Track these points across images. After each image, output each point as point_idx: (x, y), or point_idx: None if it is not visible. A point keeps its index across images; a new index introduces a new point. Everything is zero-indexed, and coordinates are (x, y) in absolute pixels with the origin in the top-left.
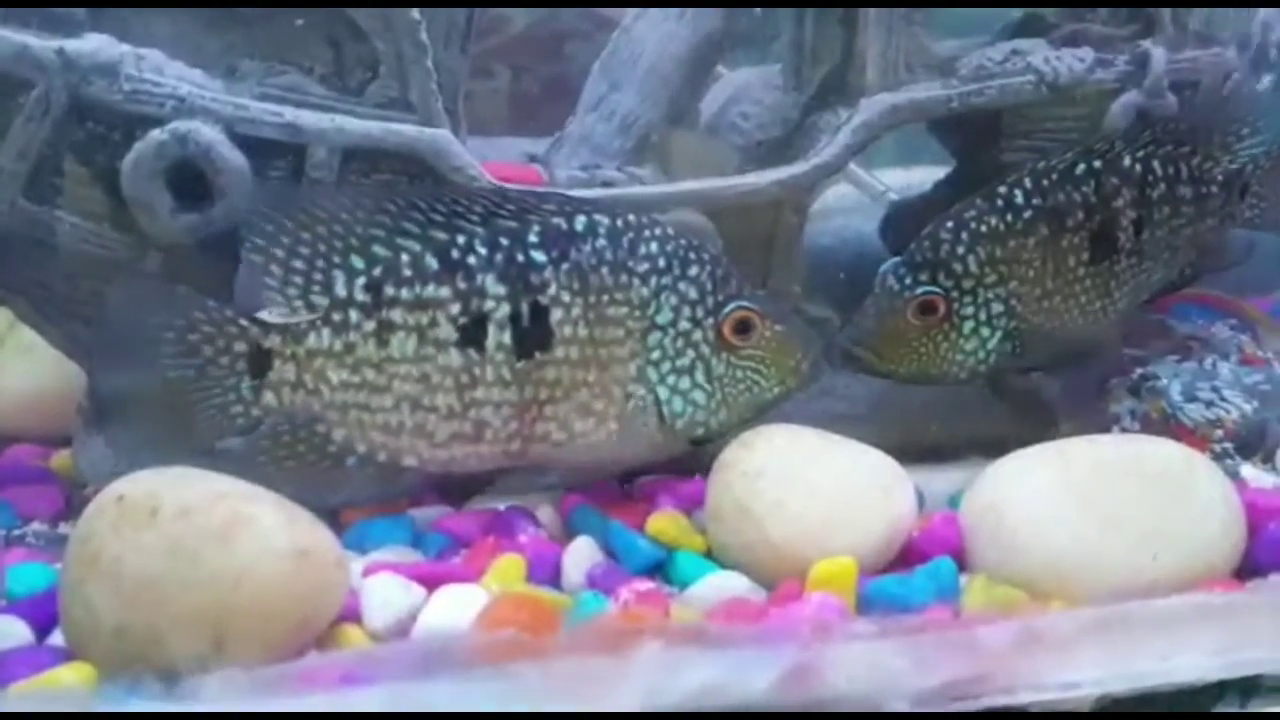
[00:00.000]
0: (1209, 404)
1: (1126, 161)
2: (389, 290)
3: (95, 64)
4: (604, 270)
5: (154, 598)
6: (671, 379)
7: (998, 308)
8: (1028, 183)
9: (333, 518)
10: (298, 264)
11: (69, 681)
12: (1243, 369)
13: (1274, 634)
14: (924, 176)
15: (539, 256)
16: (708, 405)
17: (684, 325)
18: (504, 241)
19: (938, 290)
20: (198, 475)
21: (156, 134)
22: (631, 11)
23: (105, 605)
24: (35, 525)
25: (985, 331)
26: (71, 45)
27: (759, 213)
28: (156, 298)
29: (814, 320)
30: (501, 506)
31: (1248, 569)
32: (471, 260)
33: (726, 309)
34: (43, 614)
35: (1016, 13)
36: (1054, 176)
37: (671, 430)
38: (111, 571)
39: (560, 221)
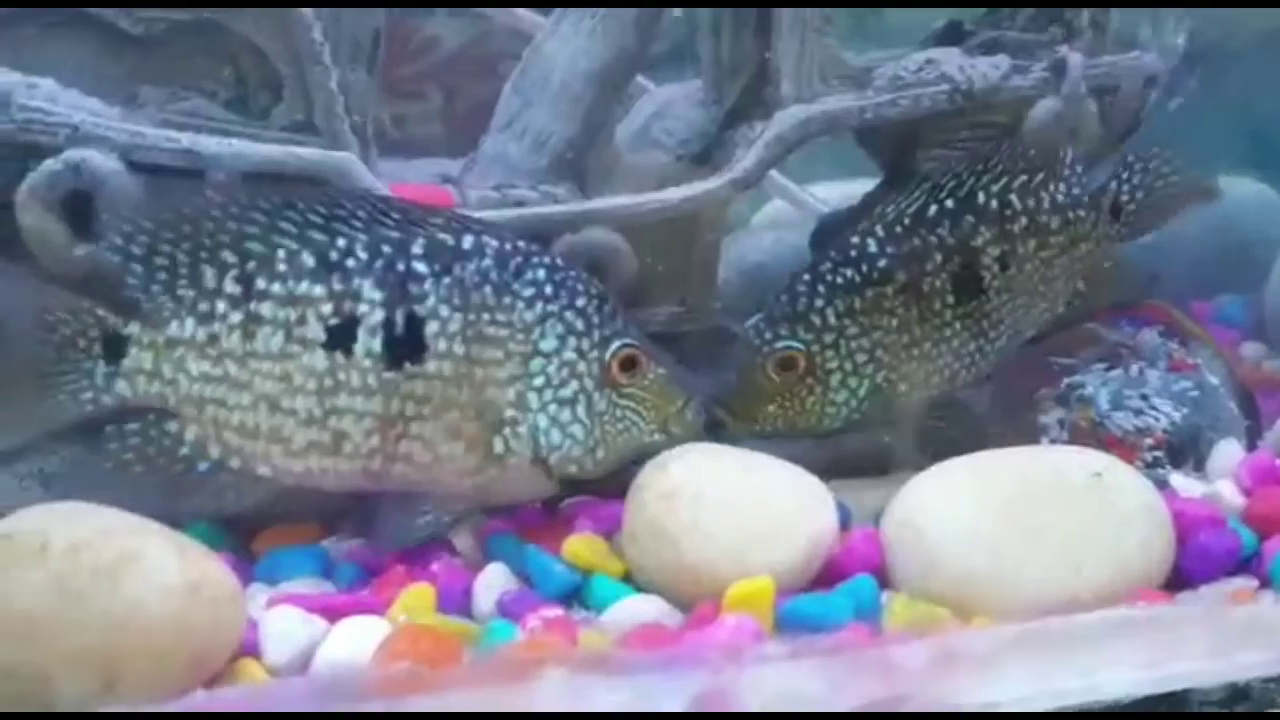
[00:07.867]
0: (1137, 412)
1: (981, 198)
2: (260, 283)
3: None
4: (487, 289)
5: (42, 637)
6: (552, 408)
7: (863, 358)
8: (879, 230)
9: (245, 549)
10: (160, 260)
11: None
12: (1171, 376)
13: (1203, 647)
14: (864, 189)
15: (420, 267)
16: (585, 441)
17: (569, 355)
18: (385, 249)
19: (798, 345)
20: (88, 511)
21: (50, 164)
22: (544, 29)
23: None
24: None
25: (854, 382)
26: None
27: (675, 229)
28: (15, 286)
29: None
30: None
31: (1177, 581)
32: (350, 263)
33: (614, 345)
34: None
35: (940, 21)
36: (906, 221)
37: (545, 464)
38: None
39: (447, 237)
